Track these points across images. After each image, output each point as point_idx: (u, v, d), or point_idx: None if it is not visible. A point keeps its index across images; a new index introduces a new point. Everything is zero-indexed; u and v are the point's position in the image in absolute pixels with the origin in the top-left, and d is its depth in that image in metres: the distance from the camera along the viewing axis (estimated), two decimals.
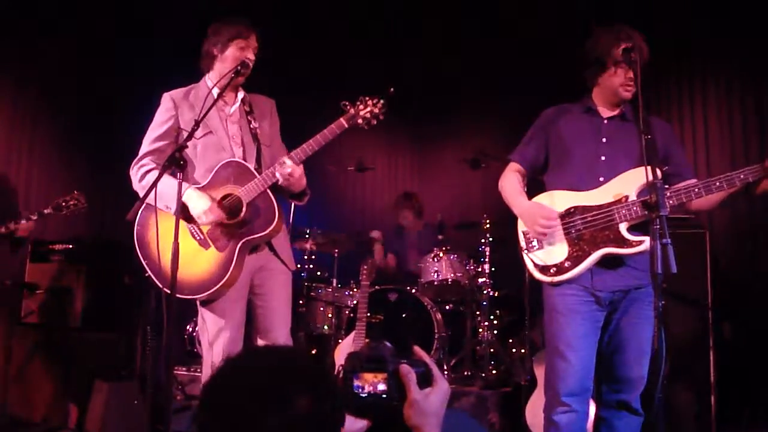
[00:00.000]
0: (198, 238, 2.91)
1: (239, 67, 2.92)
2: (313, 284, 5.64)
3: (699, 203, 2.69)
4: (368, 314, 4.61)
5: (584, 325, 2.73)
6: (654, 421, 2.40)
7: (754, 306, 4.65)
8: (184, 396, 4.63)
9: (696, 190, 2.58)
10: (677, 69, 5.62)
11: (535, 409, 3.80)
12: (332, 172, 6.40)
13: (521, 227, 2.89)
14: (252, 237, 2.89)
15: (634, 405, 2.73)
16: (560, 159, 2.89)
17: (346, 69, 6.61)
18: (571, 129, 2.88)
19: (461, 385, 4.57)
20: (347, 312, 5.16)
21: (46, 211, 4.01)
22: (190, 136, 2.77)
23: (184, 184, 2.74)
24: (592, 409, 2.87)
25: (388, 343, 1.35)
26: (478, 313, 5.09)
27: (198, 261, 2.88)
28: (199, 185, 2.93)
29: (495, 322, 5.18)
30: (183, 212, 2.77)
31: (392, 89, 2.91)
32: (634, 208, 2.64)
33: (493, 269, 5.06)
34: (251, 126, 3.07)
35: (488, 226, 5.01)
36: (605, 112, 2.87)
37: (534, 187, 2.98)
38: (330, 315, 5.56)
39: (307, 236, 5.63)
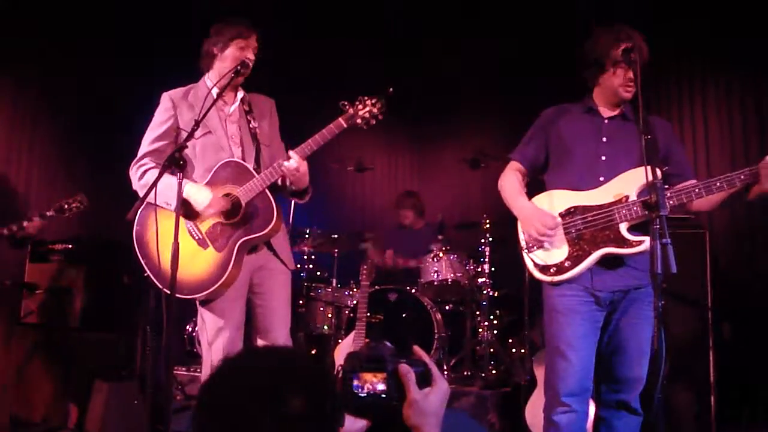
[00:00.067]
0: (197, 237, 2.91)
1: (239, 67, 2.92)
2: (313, 284, 5.64)
3: (699, 204, 2.69)
4: (368, 314, 4.61)
5: (584, 325, 2.73)
6: (654, 421, 2.40)
7: (754, 306, 4.65)
8: (184, 396, 4.63)
9: (696, 190, 2.58)
10: (677, 69, 5.62)
11: (534, 409, 3.80)
12: (332, 173, 6.40)
13: (521, 227, 2.89)
14: (250, 237, 2.89)
15: (633, 405, 2.73)
16: (560, 158, 2.89)
17: (346, 69, 6.61)
18: (571, 128, 2.88)
19: (461, 385, 4.57)
20: (347, 312, 5.15)
21: (48, 213, 4.00)
22: (190, 136, 2.77)
23: (183, 181, 2.74)
24: (592, 409, 2.87)
25: (388, 343, 1.35)
26: (477, 313, 5.09)
27: (196, 261, 2.88)
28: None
29: (495, 322, 5.18)
30: (183, 209, 2.76)
31: (391, 89, 2.91)
32: (635, 208, 2.63)
33: (492, 269, 5.06)
34: (250, 126, 3.07)
35: (488, 226, 5.01)
36: (606, 112, 2.87)
37: (534, 186, 2.98)
38: (330, 315, 5.56)
39: (306, 236, 5.63)
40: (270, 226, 2.88)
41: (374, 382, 1.26)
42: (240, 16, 3.06)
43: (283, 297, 3.06)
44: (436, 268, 5.12)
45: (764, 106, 5.18)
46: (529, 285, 4.30)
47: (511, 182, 2.95)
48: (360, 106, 2.92)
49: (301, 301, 5.48)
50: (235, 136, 3.04)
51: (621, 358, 2.75)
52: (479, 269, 5.10)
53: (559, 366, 2.73)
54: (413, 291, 5.03)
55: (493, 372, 4.83)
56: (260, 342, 3.01)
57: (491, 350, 4.91)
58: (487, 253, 5.05)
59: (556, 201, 2.81)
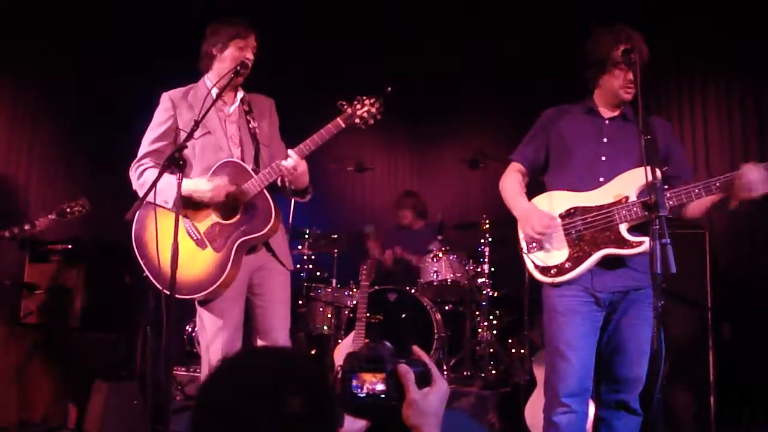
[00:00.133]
0: (195, 237, 2.91)
1: (238, 67, 2.92)
2: (313, 284, 5.65)
3: (693, 210, 2.70)
4: (368, 314, 4.61)
5: (584, 326, 2.73)
6: (653, 421, 2.40)
7: (754, 306, 4.65)
8: (184, 396, 4.63)
9: (696, 191, 2.57)
10: (677, 69, 5.61)
11: (534, 410, 3.80)
12: (331, 173, 6.40)
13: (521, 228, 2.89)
14: (249, 237, 2.88)
15: (632, 405, 2.73)
16: (561, 159, 2.89)
17: (345, 69, 6.60)
18: (572, 129, 2.88)
19: (461, 385, 4.57)
20: (347, 312, 5.15)
21: (50, 216, 3.99)
22: (190, 136, 2.77)
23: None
24: (592, 409, 2.87)
25: (388, 344, 1.35)
26: (477, 313, 5.09)
27: (195, 261, 2.88)
28: None
29: (494, 322, 5.18)
30: (182, 208, 2.76)
31: (389, 89, 2.91)
32: (634, 209, 2.63)
33: (492, 269, 5.06)
34: (250, 126, 3.06)
35: (488, 226, 5.01)
36: (606, 113, 2.87)
37: (534, 187, 2.98)
38: (329, 315, 5.56)
39: (306, 236, 5.63)
40: (268, 227, 2.87)
41: (373, 383, 1.26)
42: (238, 15, 3.05)
43: (282, 297, 3.06)
44: (435, 269, 5.12)
45: (764, 106, 5.19)
46: (528, 285, 4.30)
47: (511, 183, 2.96)
48: (358, 106, 2.91)
49: (300, 302, 5.48)
50: (235, 136, 3.04)
51: (621, 358, 2.75)
52: (479, 269, 5.10)
53: (558, 366, 2.73)
54: (413, 291, 5.02)
55: (493, 372, 4.83)
56: (260, 342, 3.01)
57: (491, 350, 4.91)
58: (486, 254, 5.05)
59: (556, 202, 2.81)
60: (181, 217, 2.69)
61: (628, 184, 2.68)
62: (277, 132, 3.20)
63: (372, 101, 2.91)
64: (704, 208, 2.70)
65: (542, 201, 2.86)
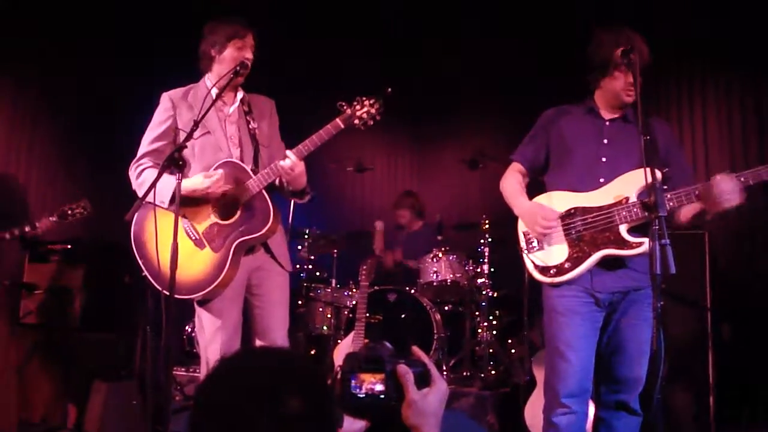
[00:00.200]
0: (193, 237, 2.91)
1: (238, 67, 2.91)
2: (312, 284, 5.65)
3: (686, 215, 2.70)
4: (367, 315, 4.60)
5: (584, 326, 2.73)
6: (653, 422, 2.40)
7: (753, 307, 4.65)
8: (183, 396, 4.62)
9: (696, 192, 2.57)
10: (677, 70, 5.62)
11: (534, 410, 3.80)
12: (331, 173, 6.40)
13: (521, 227, 2.89)
14: (247, 237, 2.88)
15: (632, 405, 2.73)
16: (561, 159, 2.89)
17: (344, 69, 6.60)
18: (572, 129, 2.88)
19: (460, 385, 4.56)
20: (346, 312, 5.16)
21: (51, 218, 3.98)
22: (189, 136, 2.76)
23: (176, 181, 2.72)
24: (591, 409, 2.87)
25: (388, 344, 1.35)
26: (477, 313, 5.09)
27: (193, 261, 2.88)
28: None
29: (494, 322, 5.18)
30: (180, 209, 2.76)
31: (389, 90, 2.90)
32: (635, 210, 2.63)
33: (492, 270, 5.06)
34: (250, 126, 3.06)
35: (487, 226, 5.01)
36: (607, 114, 2.87)
37: (534, 187, 2.98)
38: (329, 315, 5.56)
39: (306, 237, 5.63)
40: (267, 227, 2.87)
41: (372, 383, 1.26)
42: (234, 14, 3.04)
43: (280, 298, 3.06)
44: (435, 269, 5.12)
45: (763, 107, 5.19)
46: (528, 285, 4.29)
47: (511, 183, 2.96)
48: (358, 107, 2.90)
49: (300, 302, 5.48)
50: (234, 136, 3.04)
51: (620, 359, 2.75)
52: (478, 270, 5.10)
53: (558, 367, 2.73)
54: (412, 291, 5.03)
55: (493, 372, 4.83)
56: (258, 343, 3.01)
57: (490, 351, 4.91)
58: (486, 254, 5.05)
59: (556, 202, 2.82)
60: (179, 217, 2.68)
61: (629, 185, 2.68)
62: (277, 133, 3.20)
63: (372, 102, 2.90)
64: (690, 215, 2.70)
65: (542, 201, 2.86)
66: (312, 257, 5.74)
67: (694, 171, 3.51)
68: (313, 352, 5.52)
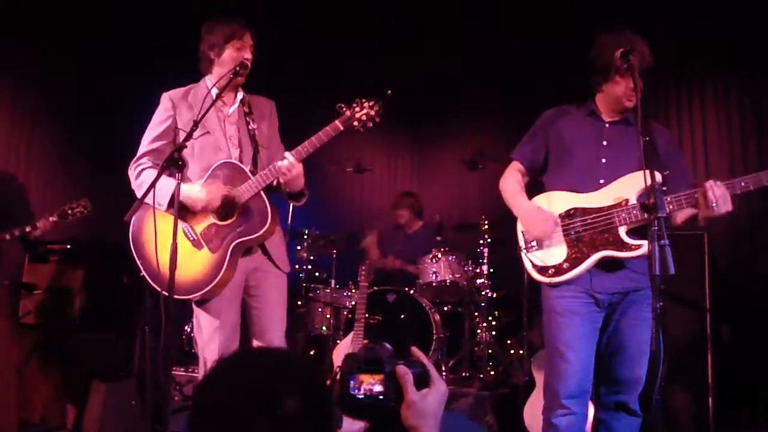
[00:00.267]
0: (191, 238, 2.91)
1: (238, 68, 2.91)
2: (312, 285, 5.65)
3: (681, 217, 2.70)
4: (366, 315, 4.61)
5: (584, 326, 2.73)
6: (652, 422, 2.40)
7: (752, 307, 4.66)
8: (182, 396, 4.63)
9: (696, 196, 2.58)
10: (676, 71, 5.62)
11: (533, 411, 3.80)
12: (330, 174, 6.40)
13: (520, 227, 2.89)
14: (245, 238, 2.88)
15: (632, 406, 2.73)
16: (560, 159, 2.89)
17: (343, 69, 6.61)
18: (572, 130, 2.88)
19: (459, 386, 4.57)
20: (345, 313, 5.16)
21: (51, 218, 3.97)
22: (189, 136, 2.76)
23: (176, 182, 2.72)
24: (591, 410, 2.87)
25: (387, 344, 1.35)
26: (476, 314, 5.10)
27: (191, 261, 2.87)
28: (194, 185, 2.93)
29: (493, 323, 5.19)
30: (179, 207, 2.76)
31: (389, 91, 2.89)
32: (634, 212, 2.64)
33: (491, 270, 5.06)
34: (249, 127, 3.06)
35: (487, 227, 5.01)
36: (608, 117, 2.87)
37: (534, 187, 2.98)
38: (328, 316, 5.56)
39: (305, 237, 5.63)
40: (264, 228, 2.87)
41: (371, 384, 1.26)
42: (231, 14, 3.04)
43: (278, 299, 3.05)
44: (434, 269, 5.12)
45: (763, 108, 5.20)
46: (527, 286, 4.30)
47: (511, 183, 2.96)
48: (357, 109, 2.89)
49: (299, 302, 5.48)
50: (234, 137, 3.03)
51: (620, 359, 2.75)
52: (478, 270, 5.10)
53: (558, 367, 2.73)
54: (412, 292, 5.03)
55: (492, 373, 4.83)
56: (256, 343, 3.01)
57: (490, 351, 4.91)
58: (485, 254, 5.05)
59: (556, 202, 2.82)
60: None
61: (629, 186, 2.68)
62: (276, 134, 3.20)
63: (371, 104, 2.89)
64: (683, 219, 2.71)
65: (541, 201, 2.87)
66: (311, 257, 5.74)
67: (694, 175, 3.51)
68: (312, 353, 5.52)
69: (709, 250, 4.09)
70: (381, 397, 1.26)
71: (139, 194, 2.87)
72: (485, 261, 5.05)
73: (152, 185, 2.68)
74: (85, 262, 4.58)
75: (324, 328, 5.59)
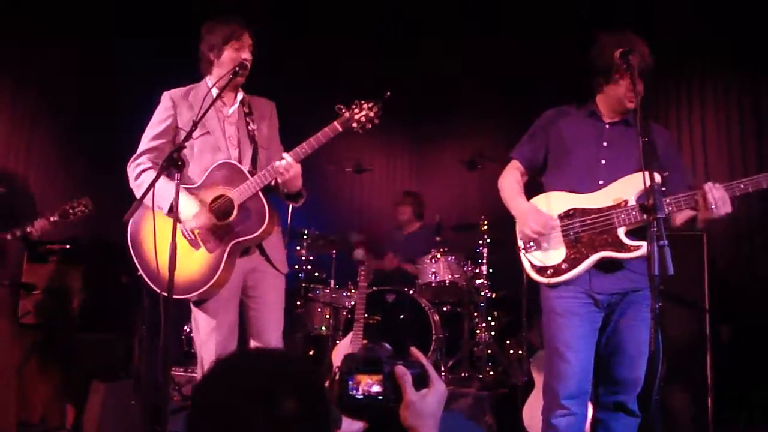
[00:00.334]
0: (189, 238, 2.91)
1: (237, 68, 2.91)
2: (311, 285, 5.65)
3: (680, 218, 2.70)
4: (366, 315, 4.61)
5: (583, 327, 2.73)
6: (651, 423, 2.40)
7: (752, 308, 4.66)
8: (181, 397, 4.63)
9: (696, 198, 2.58)
10: (676, 71, 5.62)
11: (532, 411, 3.80)
12: (330, 174, 6.40)
13: (519, 227, 2.89)
14: (242, 239, 2.88)
15: (630, 406, 2.73)
16: (560, 160, 2.89)
17: (343, 69, 6.61)
18: (572, 131, 2.88)
19: (458, 386, 4.57)
20: (345, 313, 5.16)
21: (52, 218, 3.96)
22: (188, 136, 2.76)
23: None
24: (589, 411, 2.87)
25: (387, 345, 1.35)
26: (475, 314, 5.10)
27: (188, 261, 2.87)
28: (193, 185, 2.93)
29: (493, 323, 5.19)
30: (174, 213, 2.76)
31: (388, 93, 2.89)
32: (633, 213, 2.64)
33: (490, 271, 5.06)
34: (249, 128, 3.06)
35: (486, 227, 5.02)
36: (608, 117, 2.87)
37: (533, 188, 2.98)
38: (327, 316, 5.56)
39: (304, 237, 5.63)
40: (262, 229, 2.86)
41: (370, 384, 1.27)
42: (230, 14, 3.04)
43: (275, 300, 3.05)
44: (434, 270, 5.12)
45: (762, 108, 5.19)
46: (527, 286, 4.30)
47: (509, 182, 2.96)
48: (356, 110, 2.89)
49: (299, 302, 5.48)
50: (233, 137, 3.03)
51: (619, 360, 2.75)
52: (477, 270, 5.10)
53: (558, 367, 2.73)
54: (411, 292, 5.03)
55: (491, 373, 4.84)
56: (253, 344, 3.01)
57: (489, 352, 4.91)
58: (485, 255, 5.06)
59: (555, 203, 2.82)
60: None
61: (628, 187, 2.68)
62: (276, 135, 3.20)
63: (370, 105, 2.89)
64: (683, 220, 2.72)
65: (541, 201, 2.86)
66: (311, 258, 5.73)
67: (693, 176, 3.51)
68: (311, 353, 5.53)
69: (708, 250, 4.09)
70: (380, 397, 1.26)
71: (138, 195, 2.87)
72: (484, 261, 5.05)
73: (151, 185, 2.67)
74: (85, 262, 4.58)
75: (323, 328, 5.59)
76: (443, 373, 4.77)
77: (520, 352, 4.83)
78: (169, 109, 3.02)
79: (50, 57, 5.53)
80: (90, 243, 4.81)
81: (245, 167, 2.95)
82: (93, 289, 4.55)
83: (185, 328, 5.35)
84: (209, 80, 3.08)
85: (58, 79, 5.58)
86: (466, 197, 6.55)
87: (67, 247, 4.60)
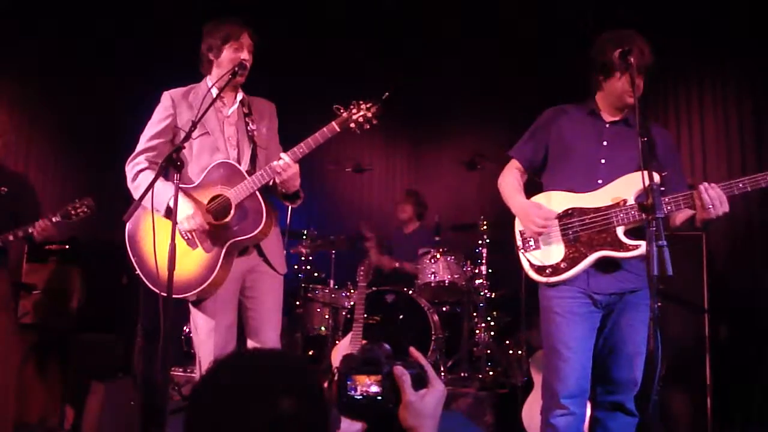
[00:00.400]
0: (186, 237, 2.91)
1: (236, 69, 2.91)
2: (310, 285, 5.65)
3: (679, 218, 2.71)
4: (365, 315, 4.61)
5: (582, 326, 2.73)
6: (649, 423, 2.40)
7: (751, 308, 4.66)
8: (181, 397, 4.63)
9: (694, 197, 2.58)
10: (676, 71, 5.62)
11: (531, 411, 3.80)
12: (329, 174, 6.40)
13: (518, 226, 2.89)
14: (239, 239, 2.88)
15: (628, 406, 2.74)
16: (559, 159, 2.89)
17: (343, 69, 6.60)
18: (572, 130, 2.88)
19: (458, 386, 4.56)
20: (344, 313, 5.16)
21: (54, 219, 3.94)
22: (188, 136, 2.76)
23: (174, 186, 2.71)
24: (588, 410, 2.87)
25: (386, 345, 1.35)
26: (475, 314, 5.10)
27: (185, 261, 2.87)
28: (191, 185, 2.93)
29: (492, 323, 5.19)
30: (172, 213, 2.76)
31: (387, 94, 2.89)
32: (632, 212, 2.64)
33: (489, 271, 5.06)
34: (248, 128, 3.06)
35: (485, 227, 5.02)
36: (608, 116, 2.87)
37: (533, 188, 2.98)
38: (327, 316, 5.56)
39: (304, 237, 5.63)
40: (259, 229, 2.86)
41: (368, 384, 1.27)
42: (230, 15, 3.04)
43: (273, 300, 3.05)
44: (433, 270, 5.12)
45: (762, 108, 5.19)
46: (526, 286, 4.30)
47: (509, 181, 2.96)
48: (354, 111, 2.88)
49: (298, 302, 5.48)
50: (232, 137, 3.03)
51: (617, 360, 2.75)
52: (476, 271, 5.10)
53: (557, 367, 2.73)
54: (410, 292, 5.03)
55: (490, 373, 4.83)
56: (250, 344, 3.01)
57: (488, 352, 4.91)
58: (484, 255, 5.06)
59: (554, 202, 2.82)
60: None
61: (627, 187, 2.68)
62: (276, 136, 3.19)
63: (368, 106, 2.88)
64: (681, 220, 2.72)
65: (540, 201, 2.86)
66: (310, 258, 5.73)
67: (692, 175, 3.51)
68: (310, 353, 5.52)
69: (707, 251, 4.09)
70: (379, 397, 1.26)
71: (135, 195, 2.87)
72: (484, 261, 5.05)
73: (150, 186, 2.67)
74: (84, 262, 4.57)
75: (323, 328, 5.59)
76: (442, 373, 4.76)
77: (520, 352, 4.83)
78: (168, 109, 3.02)
79: (50, 57, 5.53)
80: (89, 243, 4.81)
81: (244, 167, 2.95)
82: (92, 289, 4.55)
83: (184, 328, 5.35)
84: (209, 80, 3.08)
85: (58, 79, 5.58)
86: (465, 197, 6.53)
87: (67, 247, 4.59)
